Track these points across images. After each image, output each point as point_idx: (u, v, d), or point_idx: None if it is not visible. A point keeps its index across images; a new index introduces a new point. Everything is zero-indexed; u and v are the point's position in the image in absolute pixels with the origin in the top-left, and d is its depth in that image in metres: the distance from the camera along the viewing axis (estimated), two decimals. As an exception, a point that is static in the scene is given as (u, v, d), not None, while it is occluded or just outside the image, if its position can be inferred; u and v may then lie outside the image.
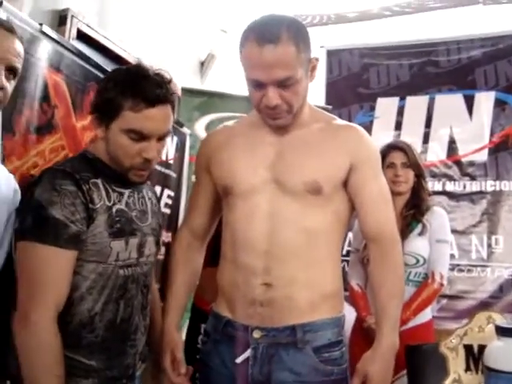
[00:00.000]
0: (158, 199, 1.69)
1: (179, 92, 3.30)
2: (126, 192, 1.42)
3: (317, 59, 1.43)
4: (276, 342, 1.41)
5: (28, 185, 1.31)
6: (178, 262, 1.60)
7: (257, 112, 1.47)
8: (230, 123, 1.66)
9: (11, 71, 1.23)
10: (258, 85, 1.36)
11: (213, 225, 1.65)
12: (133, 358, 1.42)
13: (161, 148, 1.41)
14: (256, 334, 1.41)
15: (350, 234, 2.66)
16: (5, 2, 1.56)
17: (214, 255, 2.24)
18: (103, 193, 1.33)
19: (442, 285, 2.26)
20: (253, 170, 1.45)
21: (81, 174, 1.30)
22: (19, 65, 1.25)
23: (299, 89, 1.38)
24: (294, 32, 1.34)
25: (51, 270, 1.23)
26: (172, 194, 2.83)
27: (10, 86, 1.23)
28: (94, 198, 1.30)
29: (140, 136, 1.33)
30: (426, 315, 2.28)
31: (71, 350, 1.28)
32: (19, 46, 1.25)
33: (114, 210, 1.34)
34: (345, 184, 1.46)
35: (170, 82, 1.39)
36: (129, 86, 1.32)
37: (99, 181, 1.34)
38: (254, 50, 1.32)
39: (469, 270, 3.34)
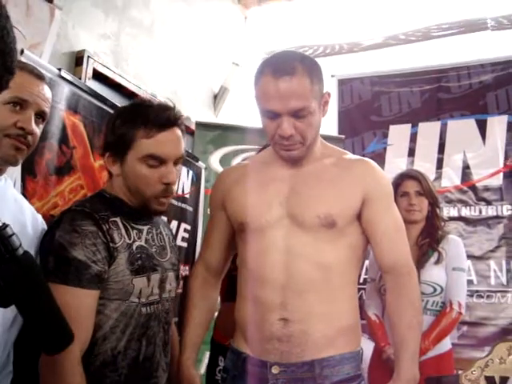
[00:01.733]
0: (174, 235, 1.72)
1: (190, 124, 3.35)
2: (145, 229, 1.43)
3: (329, 94, 1.47)
4: (295, 378, 1.40)
5: (49, 226, 1.34)
6: (194, 299, 1.62)
7: (271, 144, 1.50)
8: (243, 162, 1.69)
9: (40, 116, 1.28)
10: (273, 116, 1.39)
11: (228, 261, 1.67)
12: None
13: (177, 174, 1.43)
14: (275, 370, 1.41)
15: (367, 262, 2.65)
16: (25, 50, 1.63)
17: (230, 291, 2.27)
18: (123, 231, 1.35)
19: (460, 313, 2.23)
20: (267, 206, 1.47)
21: (100, 213, 1.32)
22: (48, 109, 1.30)
23: (313, 121, 1.41)
24: (308, 65, 1.39)
25: (75, 311, 1.22)
26: (189, 227, 2.85)
27: (38, 130, 1.28)
28: (114, 236, 1.31)
29: (158, 161, 1.36)
30: (446, 345, 2.25)
31: None
32: (48, 92, 1.30)
33: (134, 247, 1.35)
34: (358, 217, 1.47)
35: (174, 108, 1.43)
36: (138, 117, 1.36)
37: (118, 219, 1.36)
38: (270, 82, 1.37)
39: (488, 296, 3.29)
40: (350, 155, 1.57)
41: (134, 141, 1.35)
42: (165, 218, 2.54)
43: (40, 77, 1.29)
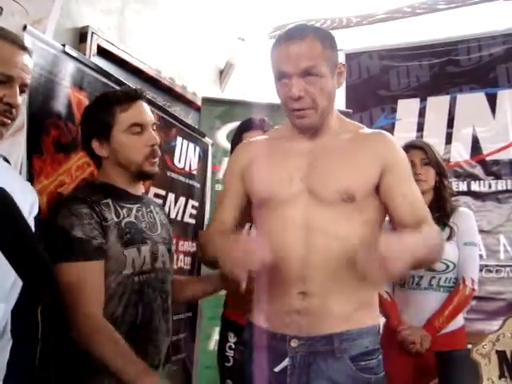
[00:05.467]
0: (166, 214, 1.87)
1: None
2: (134, 207, 1.62)
3: (343, 65, 1.49)
4: (314, 351, 1.41)
5: (50, 214, 1.49)
6: (213, 236, 1.50)
7: (287, 115, 1.49)
8: (260, 137, 1.72)
9: (22, 87, 1.28)
10: (283, 77, 1.42)
11: (238, 226, 1.61)
12: (154, 357, 1.55)
13: (157, 136, 1.65)
14: (293, 343, 1.42)
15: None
16: (29, 26, 1.60)
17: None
18: (113, 211, 1.53)
19: (473, 290, 2.22)
20: (288, 181, 1.47)
21: (91, 197, 1.51)
22: (29, 80, 1.32)
23: (324, 85, 1.41)
24: (320, 33, 1.45)
25: (90, 282, 1.42)
26: (196, 204, 2.84)
27: (21, 101, 1.30)
28: (106, 216, 1.50)
29: (139, 127, 1.59)
30: (458, 321, 2.25)
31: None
32: (30, 62, 1.31)
33: (123, 223, 1.54)
34: (377, 190, 1.46)
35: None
36: (111, 99, 1.61)
37: (109, 200, 1.54)
38: (281, 46, 1.42)
39: (497, 271, 3.28)
40: (366, 129, 1.57)
41: (115, 117, 1.58)
42: (172, 195, 2.55)
43: (23, 47, 1.28)
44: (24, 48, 1.28)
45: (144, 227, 1.61)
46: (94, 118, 1.60)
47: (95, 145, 1.60)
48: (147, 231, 1.61)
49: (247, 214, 1.63)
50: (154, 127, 1.66)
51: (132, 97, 1.61)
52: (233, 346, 2.21)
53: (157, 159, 1.64)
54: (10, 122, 1.25)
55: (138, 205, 1.64)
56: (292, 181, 1.47)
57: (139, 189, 1.70)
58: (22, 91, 1.28)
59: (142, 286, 1.54)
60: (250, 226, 2.10)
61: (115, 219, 1.52)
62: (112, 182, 1.60)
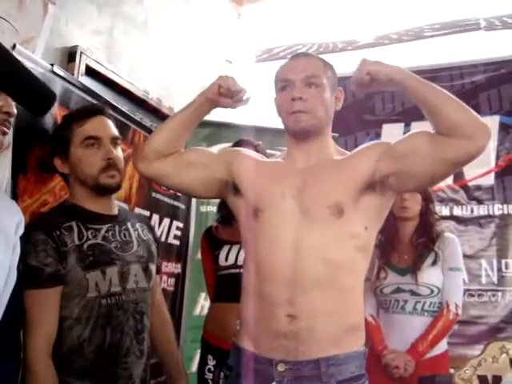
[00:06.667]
0: (151, 228, 1.84)
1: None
2: (104, 227, 1.59)
3: (341, 91, 1.58)
4: (300, 376, 1.39)
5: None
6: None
7: (284, 122, 1.55)
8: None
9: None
10: (286, 86, 1.51)
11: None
12: (126, 380, 1.54)
13: (118, 153, 1.64)
14: (280, 368, 1.40)
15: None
16: (18, 45, 1.61)
17: (219, 291, 2.26)
18: (75, 234, 1.51)
19: (457, 315, 2.23)
20: (280, 197, 1.48)
21: (52, 222, 1.50)
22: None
23: (324, 95, 1.50)
24: (323, 59, 1.58)
25: (38, 310, 1.41)
26: (181, 225, 2.84)
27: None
28: (65, 240, 1.48)
29: (94, 140, 1.58)
30: (442, 346, 2.25)
31: (65, 373, 1.44)
32: None
33: (85, 245, 1.51)
34: (387, 182, 1.46)
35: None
36: (69, 117, 1.64)
37: (73, 223, 1.52)
38: (287, 62, 1.58)
39: (479, 295, 3.31)
40: None
41: (72, 132, 1.57)
42: (157, 216, 2.54)
43: None
44: None
45: (114, 247, 1.57)
46: (54, 135, 1.64)
47: (57, 162, 1.62)
48: (117, 251, 1.57)
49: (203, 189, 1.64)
50: (118, 141, 1.66)
51: (90, 112, 1.62)
52: (211, 369, 2.20)
53: (115, 172, 1.60)
54: (8, 131, 1.31)
55: (109, 225, 1.60)
56: (284, 198, 1.48)
57: (111, 206, 1.66)
58: (10, 118, 1.32)
59: (110, 308, 1.52)
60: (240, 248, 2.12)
61: (76, 242, 1.49)
62: (78, 201, 1.60)
